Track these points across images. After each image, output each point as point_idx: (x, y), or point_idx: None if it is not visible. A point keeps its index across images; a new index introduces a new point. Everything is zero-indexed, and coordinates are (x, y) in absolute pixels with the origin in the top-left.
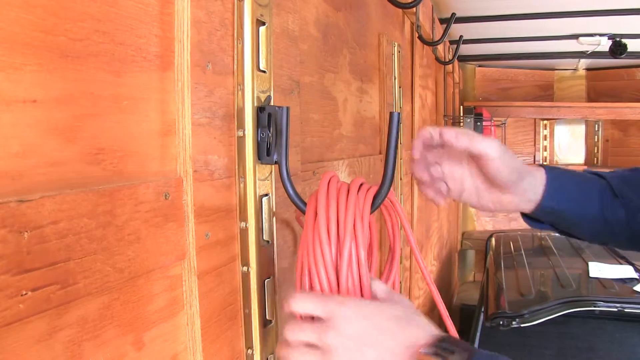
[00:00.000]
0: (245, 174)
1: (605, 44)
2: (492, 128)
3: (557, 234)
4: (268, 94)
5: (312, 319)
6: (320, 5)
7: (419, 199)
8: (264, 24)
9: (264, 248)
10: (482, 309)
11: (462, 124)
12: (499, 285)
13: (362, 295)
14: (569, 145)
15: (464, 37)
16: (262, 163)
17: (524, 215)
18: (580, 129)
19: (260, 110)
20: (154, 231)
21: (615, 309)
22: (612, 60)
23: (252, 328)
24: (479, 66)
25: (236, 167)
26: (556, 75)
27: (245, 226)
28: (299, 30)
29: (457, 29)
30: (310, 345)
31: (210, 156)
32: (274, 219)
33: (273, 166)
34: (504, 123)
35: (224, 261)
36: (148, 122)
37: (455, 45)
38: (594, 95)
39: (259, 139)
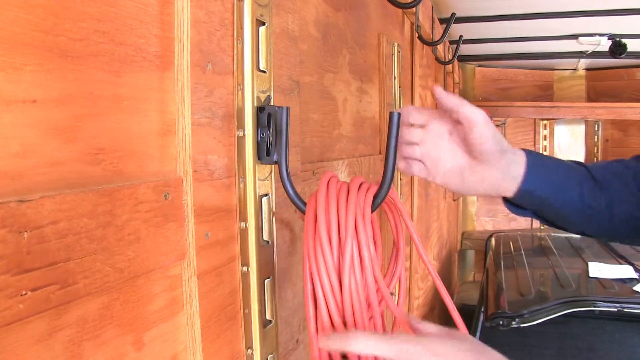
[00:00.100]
0: (245, 174)
1: (605, 44)
2: None
3: (556, 234)
4: (268, 94)
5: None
6: (320, 5)
7: (419, 198)
8: (263, 24)
9: (264, 248)
10: (482, 309)
11: None
12: (499, 285)
13: (369, 301)
14: (569, 145)
15: (464, 37)
16: (262, 163)
17: (507, 202)
18: (580, 129)
19: (260, 110)
20: (154, 231)
21: (615, 309)
22: (612, 60)
23: (252, 328)
24: (479, 66)
25: (236, 167)
26: (556, 75)
27: (245, 226)
28: (298, 30)
29: (456, 29)
30: None
31: (210, 156)
32: (274, 219)
33: (273, 166)
34: (504, 123)
35: (224, 261)
36: (148, 122)
37: (455, 45)
38: (594, 95)
39: (259, 139)
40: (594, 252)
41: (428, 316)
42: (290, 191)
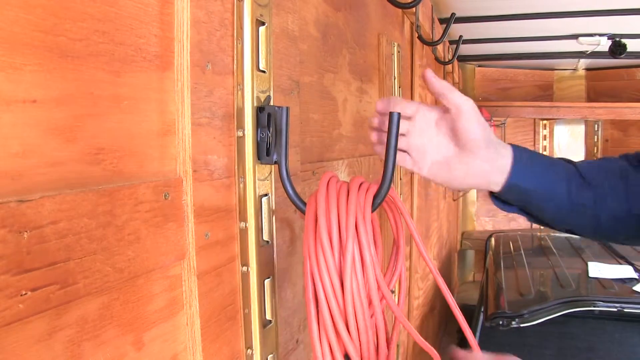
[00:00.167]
0: (245, 174)
1: (605, 44)
2: (492, 128)
3: (556, 234)
4: (268, 94)
5: None
6: (320, 5)
7: (419, 198)
8: (263, 24)
9: (264, 248)
10: (482, 309)
11: None
12: (499, 285)
13: (370, 300)
14: (569, 145)
15: (464, 37)
16: (261, 163)
17: (494, 197)
18: (580, 129)
19: (259, 110)
20: (154, 231)
21: (615, 309)
22: (611, 60)
23: (251, 328)
24: (479, 66)
25: (236, 167)
26: (556, 75)
27: (245, 226)
28: (298, 30)
29: (456, 29)
30: None
31: (209, 156)
32: (274, 219)
33: (273, 166)
34: (504, 123)
35: (224, 261)
36: (148, 122)
37: (455, 45)
38: (594, 95)
39: (259, 139)
40: (594, 252)
41: (428, 316)
42: (290, 191)
